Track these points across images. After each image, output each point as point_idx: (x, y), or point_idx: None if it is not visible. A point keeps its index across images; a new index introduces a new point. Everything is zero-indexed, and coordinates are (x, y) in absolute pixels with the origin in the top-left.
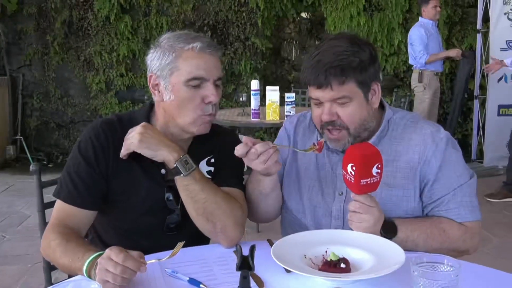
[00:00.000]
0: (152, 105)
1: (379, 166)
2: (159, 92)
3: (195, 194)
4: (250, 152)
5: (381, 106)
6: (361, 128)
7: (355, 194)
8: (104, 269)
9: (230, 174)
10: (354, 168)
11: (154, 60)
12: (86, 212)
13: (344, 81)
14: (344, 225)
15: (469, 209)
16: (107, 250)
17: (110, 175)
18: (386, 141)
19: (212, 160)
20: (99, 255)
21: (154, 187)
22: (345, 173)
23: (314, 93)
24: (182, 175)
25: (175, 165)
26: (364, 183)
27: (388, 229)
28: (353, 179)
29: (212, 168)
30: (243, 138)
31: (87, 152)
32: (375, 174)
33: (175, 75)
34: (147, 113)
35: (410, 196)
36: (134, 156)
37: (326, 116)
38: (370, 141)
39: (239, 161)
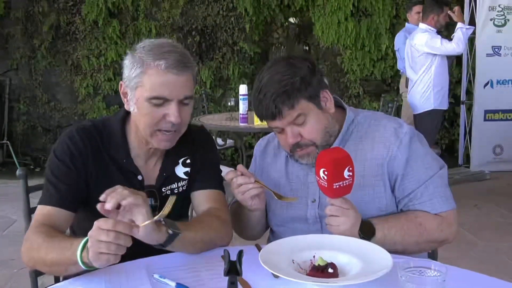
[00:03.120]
0: (128, 112)
1: (350, 168)
2: (127, 101)
3: (191, 239)
4: (232, 180)
5: (344, 109)
6: (326, 136)
7: (330, 198)
8: (96, 240)
9: (208, 176)
10: (326, 172)
11: (125, 68)
12: (65, 212)
13: (294, 104)
14: (323, 230)
15: (443, 200)
16: (95, 223)
17: (89, 180)
18: (351, 142)
19: (188, 161)
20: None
21: None
22: (318, 179)
23: (271, 124)
24: (180, 234)
25: (170, 232)
26: (337, 186)
27: (366, 230)
28: (326, 183)
29: (188, 169)
30: (238, 166)
31: (65, 157)
32: (347, 177)
33: (139, 90)
34: (122, 120)
35: (381, 193)
36: (112, 161)
37: (291, 139)
38: (334, 145)
39: (215, 162)
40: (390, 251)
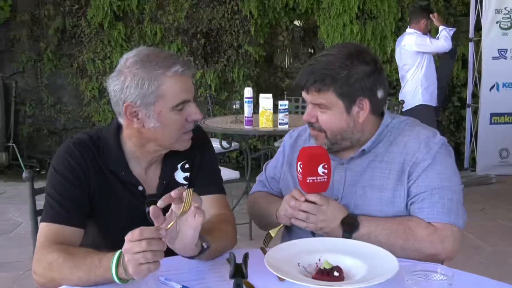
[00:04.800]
0: (120, 124)
1: (326, 166)
2: (138, 119)
3: (213, 250)
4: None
5: (381, 114)
6: (337, 137)
7: (307, 194)
8: (131, 254)
9: (209, 180)
10: (301, 166)
11: (128, 88)
12: (75, 230)
13: (320, 89)
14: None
15: (444, 212)
16: (125, 238)
17: (92, 193)
18: (382, 145)
19: (187, 166)
20: (120, 253)
21: (135, 201)
22: (296, 173)
23: (303, 93)
24: (206, 246)
25: (205, 246)
26: (311, 181)
27: (349, 224)
28: (301, 176)
29: (188, 174)
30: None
31: (66, 173)
32: (321, 174)
33: (160, 103)
34: (117, 132)
35: (401, 197)
36: (111, 173)
37: (307, 116)
38: (366, 146)
39: (214, 162)
40: None
